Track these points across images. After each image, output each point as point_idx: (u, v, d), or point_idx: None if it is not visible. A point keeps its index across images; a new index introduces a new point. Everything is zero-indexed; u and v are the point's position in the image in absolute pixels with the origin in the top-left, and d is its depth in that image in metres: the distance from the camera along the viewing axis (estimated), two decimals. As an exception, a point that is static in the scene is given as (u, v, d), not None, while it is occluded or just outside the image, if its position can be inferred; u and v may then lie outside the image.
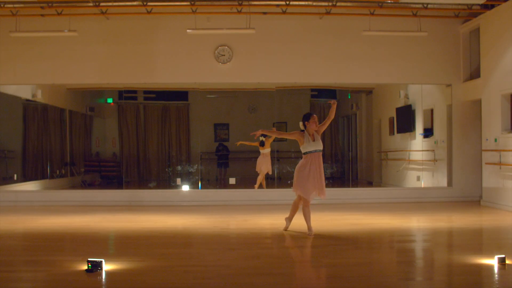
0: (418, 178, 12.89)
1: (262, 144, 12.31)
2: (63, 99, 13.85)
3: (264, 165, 12.20)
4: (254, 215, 9.78)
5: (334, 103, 7.53)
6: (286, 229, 7.84)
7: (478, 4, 10.80)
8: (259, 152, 12.50)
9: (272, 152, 12.52)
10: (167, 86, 13.05)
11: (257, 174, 12.31)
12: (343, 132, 15.33)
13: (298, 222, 7.89)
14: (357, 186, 13.25)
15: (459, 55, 12.00)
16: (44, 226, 8.56)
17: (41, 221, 9.10)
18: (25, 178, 13.10)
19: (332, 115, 7.54)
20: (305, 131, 7.45)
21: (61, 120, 14.00)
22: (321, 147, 7.42)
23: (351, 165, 13.76)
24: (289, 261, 6.15)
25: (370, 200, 11.73)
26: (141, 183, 15.00)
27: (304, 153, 7.41)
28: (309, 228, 7.49)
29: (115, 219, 9.34)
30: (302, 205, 7.52)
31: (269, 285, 5.02)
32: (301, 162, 7.45)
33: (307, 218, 7.49)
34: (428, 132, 12.69)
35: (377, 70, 11.97)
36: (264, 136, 12.06)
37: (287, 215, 7.92)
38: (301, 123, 7.50)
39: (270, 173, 12.28)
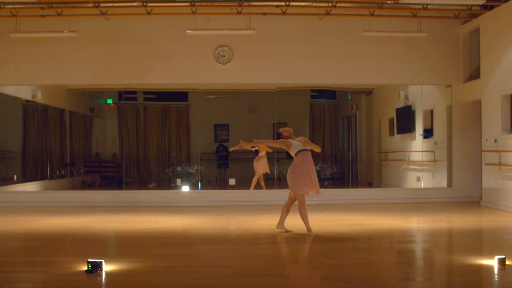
0: (418, 179, 12.89)
1: (256, 153, 12.28)
2: (63, 100, 13.84)
3: (260, 167, 12.16)
4: (254, 215, 9.78)
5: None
6: (287, 231, 7.78)
7: (478, 5, 10.80)
8: (258, 153, 12.49)
9: (272, 152, 12.51)
10: (167, 86, 13.05)
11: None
12: (343, 132, 15.33)
13: (298, 223, 7.89)
14: (357, 187, 13.24)
15: (459, 55, 12.00)
16: (44, 226, 8.56)
17: (41, 221, 9.10)
18: (25, 179, 13.09)
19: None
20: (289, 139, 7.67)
21: (61, 120, 13.99)
22: (309, 147, 7.58)
23: (351, 166, 13.75)
24: (289, 261, 6.15)
25: (370, 200, 11.73)
26: (141, 183, 14.99)
27: (295, 154, 7.53)
28: (308, 229, 7.50)
29: (115, 220, 9.34)
30: (298, 206, 7.54)
31: (269, 285, 5.02)
32: (293, 162, 7.57)
33: (305, 219, 7.51)
34: (428, 133, 12.69)
35: (377, 71, 11.97)
36: None
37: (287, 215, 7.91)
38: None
39: (269, 172, 12.26)
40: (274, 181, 12.60)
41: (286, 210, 7.77)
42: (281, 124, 14.23)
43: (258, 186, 12.31)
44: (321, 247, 6.91)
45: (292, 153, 7.55)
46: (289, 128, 7.79)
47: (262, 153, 12.29)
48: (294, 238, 7.41)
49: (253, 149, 12.15)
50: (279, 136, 7.79)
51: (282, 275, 5.37)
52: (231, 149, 12.82)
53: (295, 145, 7.53)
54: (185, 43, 11.67)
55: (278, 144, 7.74)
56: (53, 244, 7.29)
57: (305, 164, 7.43)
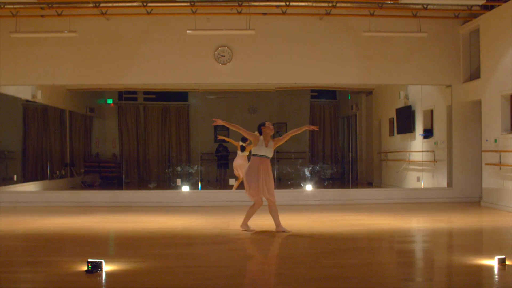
0: (418, 179, 12.89)
1: (242, 149, 12.21)
2: (63, 100, 13.86)
3: (242, 170, 12.12)
4: (254, 215, 9.75)
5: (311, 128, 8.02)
6: (286, 231, 7.76)
7: (478, 5, 10.80)
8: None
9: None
10: (167, 86, 13.05)
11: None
12: (343, 132, 15.34)
13: (296, 223, 7.90)
14: (357, 187, 13.25)
15: (459, 55, 12.00)
16: (44, 227, 8.56)
17: (41, 222, 9.10)
18: (25, 179, 13.09)
19: (295, 133, 7.80)
20: (261, 136, 7.76)
21: (61, 121, 14.00)
22: (270, 155, 7.75)
23: (351, 166, 13.76)
24: (289, 261, 6.14)
25: (370, 200, 11.73)
26: (141, 184, 15.00)
27: (253, 155, 7.73)
28: (244, 223, 7.85)
29: (115, 220, 9.34)
30: (255, 205, 7.82)
31: (269, 285, 5.01)
32: (250, 164, 7.74)
33: (249, 216, 7.82)
34: (428, 133, 12.69)
35: (377, 71, 11.97)
36: (244, 141, 12.01)
37: (286, 215, 7.94)
38: (257, 132, 7.84)
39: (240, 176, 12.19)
40: (274, 181, 12.58)
41: (273, 211, 7.80)
42: (281, 124, 14.29)
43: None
44: (321, 247, 6.91)
45: (252, 151, 7.74)
46: (273, 128, 7.86)
47: (245, 154, 12.17)
48: (294, 238, 7.41)
49: (241, 143, 12.06)
50: (260, 127, 7.80)
51: (282, 275, 5.37)
52: (220, 137, 12.84)
53: (259, 147, 7.67)
54: (185, 43, 11.66)
55: (249, 136, 7.82)
56: (53, 244, 7.28)
57: (264, 169, 7.62)
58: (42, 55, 11.67)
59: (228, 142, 13.02)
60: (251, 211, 7.87)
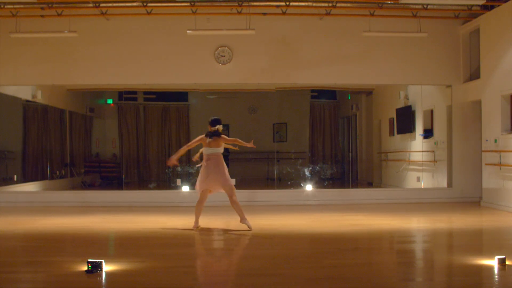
0: (418, 179, 12.89)
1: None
2: (63, 100, 13.85)
3: None
4: (254, 215, 9.75)
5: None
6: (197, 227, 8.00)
7: (478, 5, 10.80)
8: (258, 153, 12.47)
9: (271, 152, 12.50)
10: (167, 87, 13.05)
11: (260, 176, 12.29)
12: (343, 133, 15.34)
13: (296, 223, 7.88)
14: (357, 187, 13.25)
15: (459, 56, 12.00)
16: (44, 227, 8.56)
17: (41, 222, 9.10)
18: (25, 179, 13.08)
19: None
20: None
21: (61, 121, 14.00)
22: None
23: (351, 166, 13.75)
24: (289, 261, 6.14)
25: (370, 201, 11.73)
26: (141, 184, 15.00)
27: (221, 153, 8.08)
28: (242, 218, 7.90)
29: (115, 220, 9.34)
30: (234, 197, 7.98)
31: (269, 285, 5.01)
32: (222, 160, 8.07)
33: (240, 209, 7.96)
34: (428, 133, 12.69)
35: (377, 71, 11.97)
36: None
37: (286, 215, 7.94)
38: (220, 126, 8.08)
39: None
40: (274, 181, 12.60)
41: (235, 203, 8.07)
42: (281, 124, 14.29)
43: (257, 187, 12.26)
44: (321, 247, 6.91)
45: (221, 150, 8.08)
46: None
47: None
48: (293, 238, 7.41)
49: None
50: (218, 123, 8.02)
51: (282, 275, 5.37)
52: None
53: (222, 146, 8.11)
54: (185, 43, 11.66)
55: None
56: (53, 244, 7.29)
57: None
58: (42, 55, 11.67)
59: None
60: (235, 204, 7.97)
